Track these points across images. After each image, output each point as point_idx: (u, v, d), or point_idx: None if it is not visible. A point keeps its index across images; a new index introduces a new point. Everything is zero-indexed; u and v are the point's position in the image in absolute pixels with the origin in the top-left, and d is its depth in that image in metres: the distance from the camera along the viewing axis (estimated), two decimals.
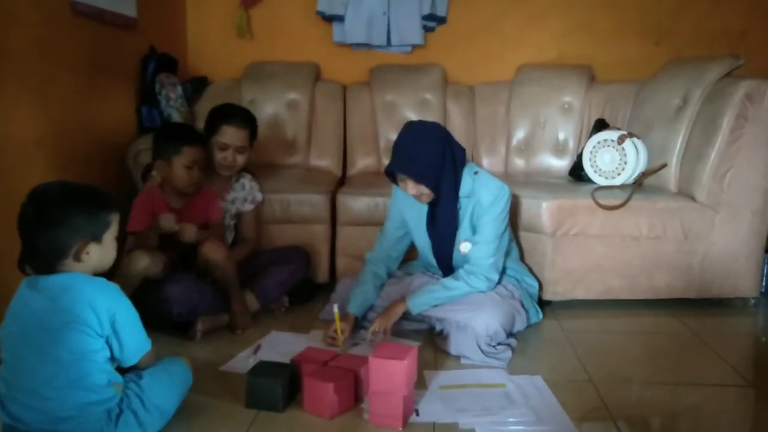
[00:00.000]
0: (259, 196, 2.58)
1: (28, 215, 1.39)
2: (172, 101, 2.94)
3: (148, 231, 2.15)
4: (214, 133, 2.38)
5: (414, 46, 3.43)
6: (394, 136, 3.11)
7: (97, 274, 1.45)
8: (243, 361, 1.95)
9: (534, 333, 2.26)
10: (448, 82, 3.34)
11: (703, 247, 2.48)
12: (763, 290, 2.65)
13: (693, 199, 2.48)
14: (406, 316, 2.14)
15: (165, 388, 1.53)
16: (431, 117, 3.07)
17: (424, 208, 2.16)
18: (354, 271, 2.39)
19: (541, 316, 2.32)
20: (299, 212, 2.67)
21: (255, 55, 3.40)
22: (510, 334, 2.12)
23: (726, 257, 2.49)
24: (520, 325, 2.16)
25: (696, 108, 2.57)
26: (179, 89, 2.98)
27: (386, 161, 3.18)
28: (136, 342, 1.47)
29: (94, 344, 1.38)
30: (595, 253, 2.46)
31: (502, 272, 2.23)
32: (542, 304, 2.41)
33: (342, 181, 3.10)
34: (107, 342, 1.41)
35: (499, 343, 2.04)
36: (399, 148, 2.04)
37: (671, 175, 2.60)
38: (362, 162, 3.25)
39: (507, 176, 3.01)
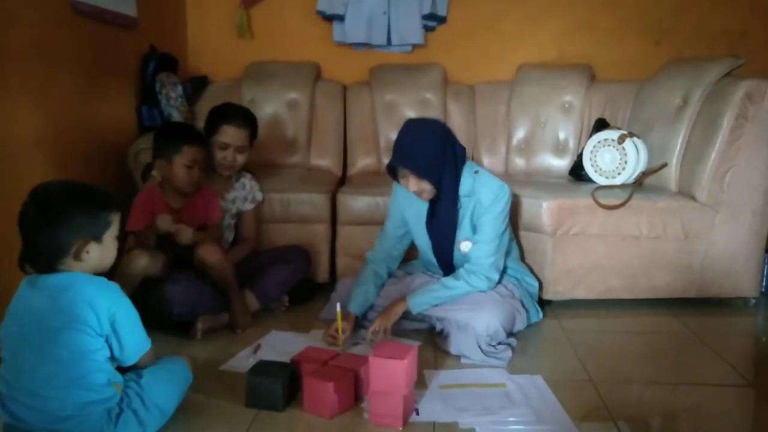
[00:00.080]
0: (259, 196, 2.58)
1: (29, 213, 1.39)
2: (172, 101, 2.94)
3: (147, 230, 2.15)
4: (214, 132, 2.38)
5: (414, 46, 3.43)
6: (394, 136, 3.11)
7: (97, 274, 1.45)
8: (243, 361, 1.95)
9: (534, 332, 2.26)
10: (449, 81, 3.34)
11: (704, 247, 2.48)
12: (763, 290, 2.64)
13: (693, 198, 2.48)
14: (406, 315, 2.14)
15: (165, 387, 1.53)
16: (431, 116, 3.07)
17: (424, 207, 2.16)
18: (354, 271, 2.39)
19: (541, 315, 2.32)
20: (299, 212, 2.67)
21: (255, 54, 3.40)
22: (510, 334, 2.12)
23: (726, 257, 2.49)
24: (520, 325, 2.16)
25: (696, 108, 2.57)
26: (179, 89, 2.98)
27: (386, 161, 3.17)
28: (135, 341, 1.47)
29: (94, 344, 1.38)
30: (595, 252, 2.46)
31: (503, 272, 2.23)
32: (542, 303, 2.41)
33: (342, 181, 3.10)
34: (107, 341, 1.41)
35: (500, 343, 2.04)
36: (400, 143, 2.04)
37: (671, 175, 2.60)
38: (362, 161, 3.25)
39: (507, 176, 3.01)
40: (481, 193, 2.09)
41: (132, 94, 2.89)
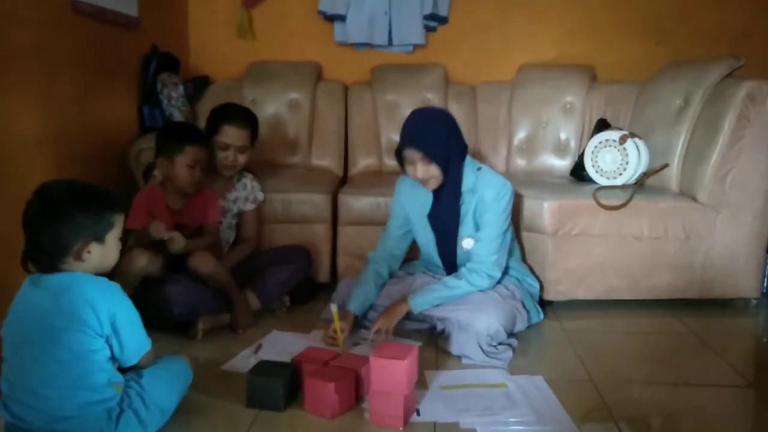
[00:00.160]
0: (260, 196, 2.58)
1: (32, 212, 1.39)
2: (173, 101, 2.94)
3: (145, 231, 2.15)
4: (215, 132, 2.38)
5: (415, 46, 3.43)
6: (395, 136, 3.15)
7: (99, 274, 1.45)
8: (244, 361, 1.95)
9: (535, 333, 2.26)
10: (450, 82, 3.34)
11: (705, 248, 2.48)
12: (764, 291, 2.64)
13: (694, 199, 2.48)
14: (407, 315, 2.14)
15: (166, 386, 1.53)
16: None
17: (427, 204, 2.17)
18: (355, 271, 2.39)
19: (542, 316, 2.32)
20: (300, 212, 2.67)
21: (256, 54, 3.40)
22: (511, 334, 2.12)
23: (727, 258, 2.49)
24: (521, 325, 2.16)
25: (697, 108, 2.57)
26: (181, 89, 2.98)
27: (388, 161, 3.22)
28: (136, 342, 1.47)
29: (95, 344, 1.38)
30: (596, 253, 2.46)
31: (505, 272, 2.24)
32: (543, 304, 2.41)
33: (343, 181, 3.10)
34: (107, 342, 1.41)
35: (500, 343, 2.04)
36: (409, 127, 2.06)
37: (673, 176, 2.60)
38: (363, 162, 3.25)
39: (509, 176, 2.98)
40: (484, 190, 2.10)
41: (133, 94, 2.89)
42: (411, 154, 2.04)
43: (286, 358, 1.81)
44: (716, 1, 3.30)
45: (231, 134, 2.38)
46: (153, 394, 1.48)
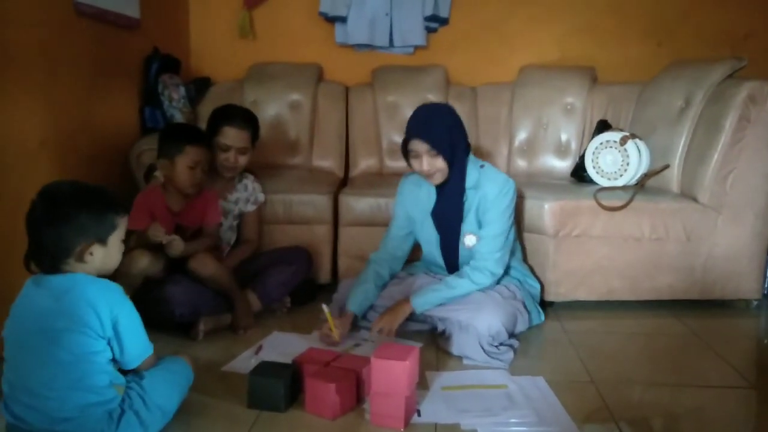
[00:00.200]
0: (261, 197, 2.58)
1: (35, 212, 1.39)
2: (174, 102, 2.94)
3: (146, 232, 2.15)
4: (216, 134, 2.39)
5: (416, 47, 3.43)
6: (396, 137, 3.18)
7: (101, 276, 1.45)
8: (245, 362, 1.95)
9: (536, 334, 2.26)
10: (451, 83, 3.34)
11: (706, 249, 2.48)
12: (765, 292, 2.64)
13: (695, 200, 2.48)
14: (409, 316, 2.14)
15: (167, 387, 1.53)
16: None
17: (431, 202, 2.18)
18: (356, 272, 2.39)
19: (543, 317, 2.32)
20: (301, 213, 2.68)
21: (257, 56, 3.41)
22: (512, 335, 2.12)
23: (728, 259, 2.49)
24: (522, 326, 2.16)
25: (698, 109, 2.57)
26: (182, 90, 2.99)
27: (389, 162, 3.22)
28: (137, 346, 1.47)
29: (96, 346, 1.38)
30: (597, 254, 2.46)
31: (506, 272, 2.24)
32: (544, 305, 2.41)
33: (344, 182, 3.10)
34: (109, 344, 1.41)
35: (501, 344, 2.04)
36: (415, 120, 2.09)
37: (674, 177, 2.60)
38: (364, 163, 3.25)
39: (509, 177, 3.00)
40: (487, 187, 2.11)
41: (135, 96, 2.90)
42: (417, 146, 2.05)
43: (287, 359, 1.81)
44: (718, 2, 3.30)
45: (231, 135, 2.38)
46: (154, 395, 1.48)
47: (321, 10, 3.33)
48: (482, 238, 2.13)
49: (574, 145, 3.16)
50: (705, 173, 2.45)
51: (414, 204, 2.24)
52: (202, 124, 2.57)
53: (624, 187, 2.60)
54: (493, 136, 3.25)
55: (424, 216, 2.22)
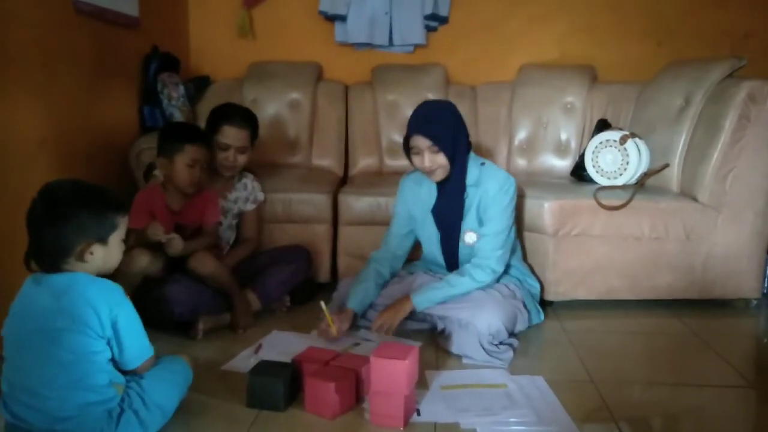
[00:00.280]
0: (260, 196, 2.58)
1: (36, 211, 1.39)
2: (174, 101, 2.94)
3: (145, 231, 2.15)
4: (215, 133, 2.38)
5: (416, 46, 3.43)
6: (396, 136, 3.18)
7: (101, 275, 1.45)
8: (244, 361, 1.95)
9: (535, 333, 2.26)
10: (450, 82, 3.34)
11: (705, 248, 2.48)
12: (765, 291, 2.64)
13: (695, 199, 2.48)
14: (409, 314, 2.14)
15: (166, 386, 1.52)
16: None
17: (432, 199, 2.19)
18: (355, 271, 2.39)
19: (542, 317, 2.32)
20: (301, 212, 2.67)
21: (257, 54, 3.40)
22: (511, 334, 2.12)
23: (728, 258, 2.49)
24: (521, 325, 2.16)
25: (698, 108, 2.57)
26: (181, 89, 2.99)
27: (388, 161, 3.22)
28: (137, 347, 1.46)
29: (95, 345, 1.38)
30: (596, 253, 2.46)
31: (506, 270, 2.24)
32: (544, 304, 2.41)
33: (344, 181, 3.10)
34: (108, 344, 1.41)
35: (501, 343, 2.04)
36: (417, 116, 2.10)
37: (673, 176, 2.60)
38: (364, 162, 3.25)
39: None
40: (487, 184, 2.12)
41: (134, 94, 2.89)
42: (418, 142, 2.06)
43: (287, 358, 1.80)
44: (718, 2, 3.30)
45: (231, 134, 2.38)
46: (153, 394, 1.48)
47: (321, 9, 3.33)
48: (483, 235, 2.13)
49: (573, 145, 3.16)
50: (705, 172, 2.45)
51: (415, 202, 2.25)
52: (202, 123, 2.57)
53: (624, 187, 2.60)
54: (493, 136, 3.25)
55: (425, 214, 2.22)
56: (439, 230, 2.21)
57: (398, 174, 2.49)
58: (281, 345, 2.08)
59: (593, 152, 2.72)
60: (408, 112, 3.16)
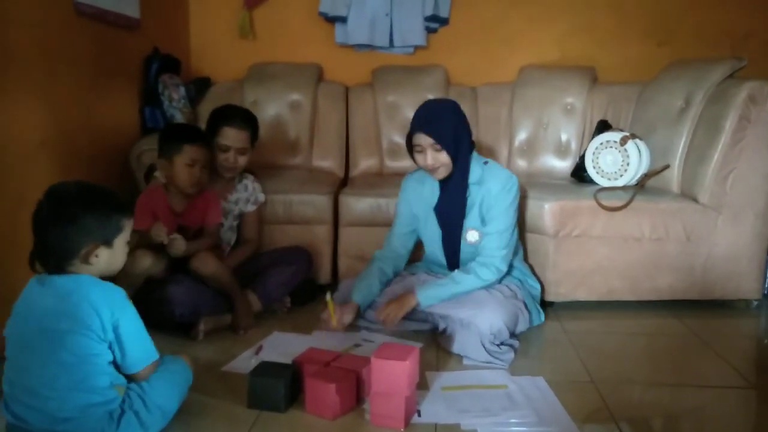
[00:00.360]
0: (261, 197, 2.58)
1: (42, 213, 1.39)
2: (175, 102, 2.94)
3: (147, 233, 2.15)
4: (215, 134, 2.39)
5: (416, 47, 3.43)
6: (396, 137, 3.18)
7: (104, 277, 1.45)
8: (245, 362, 1.95)
9: (536, 334, 2.26)
10: (451, 83, 3.34)
11: (706, 249, 2.48)
12: (765, 292, 2.64)
13: (695, 200, 2.48)
14: (410, 314, 2.14)
15: (167, 387, 1.52)
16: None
17: (434, 197, 2.20)
18: (356, 272, 2.39)
19: (543, 318, 2.32)
20: (301, 213, 2.68)
21: (258, 56, 3.41)
22: (512, 334, 2.12)
23: (728, 259, 2.49)
24: (522, 326, 2.16)
25: (698, 109, 2.57)
26: (182, 90, 2.99)
27: (389, 162, 3.22)
28: (139, 351, 1.45)
29: (97, 348, 1.38)
30: (597, 254, 2.46)
31: (508, 271, 2.25)
32: (544, 305, 2.41)
33: (344, 182, 3.10)
34: (110, 347, 1.41)
35: (502, 343, 2.04)
36: (420, 114, 2.11)
37: (674, 177, 2.60)
38: (365, 163, 3.26)
39: None
40: (490, 182, 2.13)
41: (135, 96, 2.90)
42: (421, 140, 2.07)
43: (287, 359, 1.80)
44: (718, 1, 3.30)
45: (231, 136, 2.38)
46: (154, 395, 1.48)
47: (321, 10, 3.34)
48: (488, 234, 2.14)
49: (574, 145, 3.16)
50: (705, 173, 2.45)
51: (418, 200, 2.26)
52: (202, 124, 2.57)
53: (624, 188, 2.60)
54: (493, 136, 3.25)
55: (428, 212, 2.23)
56: (442, 228, 2.22)
57: (399, 175, 2.50)
58: (282, 346, 2.08)
59: (594, 153, 2.72)
60: (408, 113, 3.19)
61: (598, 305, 2.51)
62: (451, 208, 2.17)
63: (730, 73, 2.56)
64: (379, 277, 2.24)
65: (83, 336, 1.36)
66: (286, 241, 2.66)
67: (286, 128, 3.23)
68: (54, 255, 1.40)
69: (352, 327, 2.20)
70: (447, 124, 2.07)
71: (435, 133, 2.05)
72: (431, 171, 2.12)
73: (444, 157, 2.08)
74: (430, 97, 3.21)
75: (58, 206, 1.39)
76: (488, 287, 2.14)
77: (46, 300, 1.38)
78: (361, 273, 2.28)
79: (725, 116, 2.41)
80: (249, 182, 2.56)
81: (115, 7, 2.58)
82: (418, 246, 2.39)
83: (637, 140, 2.66)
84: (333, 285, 2.60)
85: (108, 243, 1.43)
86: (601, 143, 2.71)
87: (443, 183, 2.17)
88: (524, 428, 1.59)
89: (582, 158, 2.84)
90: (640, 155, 2.63)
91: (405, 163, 3.02)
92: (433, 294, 2.11)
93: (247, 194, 2.54)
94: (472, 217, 2.17)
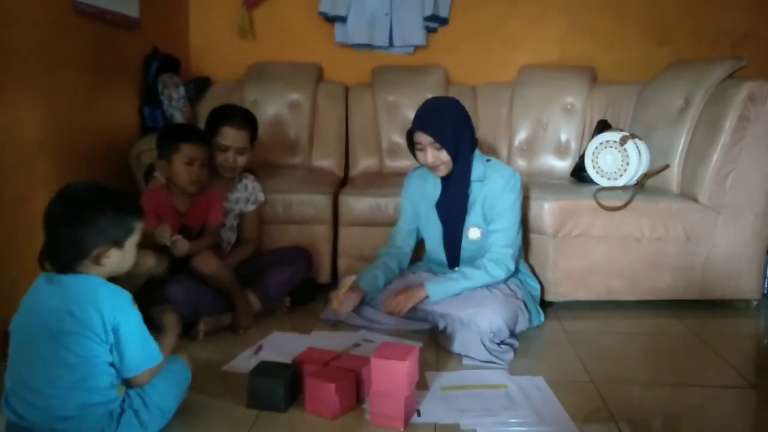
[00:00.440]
0: (261, 197, 2.58)
1: (55, 211, 1.39)
2: (174, 102, 2.94)
3: (149, 233, 2.15)
4: (215, 134, 2.38)
5: (416, 47, 3.43)
6: (396, 137, 3.18)
7: (112, 277, 1.45)
8: (245, 361, 1.95)
9: (536, 334, 2.26)
10: (451, 83, 3.34)
11: (705, 249, 2.48)
12: (765, 292, 2.64)
13: (695, 200, 2.48)
14: (410, 313, 2.15)
15: (166, 387, 1.52)
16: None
17: (436, 194, 2.21)
18: (356, 272, 2.39)
19: (542, 318, 2.32)
20: (301, 213, 2.68)
21: (257, 55, 3.40)
22: (512, 334, 2.12)
23: (728, 259, 2.49)
24: (522, 325, 2.17)
25: (698, 109, 2.57)
26: (182, 90, 2.99)
27: (388, 162, 3.22)
28: (137, 355, 1.43)
29: (98, 349, 1.38)
30: (597, 254, 2.46)
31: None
32: (544, 305, 2.42)
33: (344, 182, 3.10)
34: (111, 350, 1.40)
35: (502, 342, 2.04)
36: (421, 112, 2.13)
37: (673, 177, 2.60)
38: (364, 162, 3.25)
39: None
40: (493, 180, 2.14)
41: (134, 95, 2.90)
42: (421, 138, 2.09)
43: (287, 359, 1.81)
44: (718, 1, 3.30)
45: (230, 136, 2.38)
46: (153, 395, 1.48)
47: (321, 10, 3.33)
48: (494, 231, 2.15)
49: (573, 145, 3.16)
50: (705, 173, 2.45)
51: (420, 197, 2.27)
52: (202, 124, 2.57)
53: (624, 187, 2.60)
54: (493, 136, 3.25)
55: (429, 209, 2.24)
56: (443, 225, 2.23)
57: (398, 175, 2.50)
58: (281, 346, 2.08)
59: (593, 153, 2.73)
60: (408, 113, 3.20)
61: (598, 305, 2.51)
62: (453, 204, 2.18)
63: (729, 73, 2.56)
64: (384, 271, 2.26)
65: (85, 338, 1.36)
66: (286, 240, 2.65)
67: (285, 128, 3.23)
68: (65, 255, 1.39)
69: (352, 327, 2.21)
70: (447, 123, 2.08)
71: (435, 132, 2.06)
72: (432, 168, 2.14)
73: (444, 156, 2.09)
74: (430, 96, 3.22)
75: (73, 207, 1.38)
76: (494, 285, 2.14)
77: (52, 299, 1.38)
78: (366, 268, 2.29)
79: (725, 116, 2.41)
80: (249, 182, 2.56)
81: (114, 7, 2.58)
82: (419, 246, 2.39)
83: (637, 140, 2.67)
84: (333, 285, 2.60)
85: (119, 244, 1.43)
86: (601, 143, 2.71)
87: (445, 180, 2.18)
88: (524, 428, 1.59)
89: (582, 158, 2.84)
90: (639, 155, 2.63)
91: (405, 162, 3.02)
92: (443, 288, 2.12)
93: (247, 194, 2.54)
94: (474, 215, 2.18)
